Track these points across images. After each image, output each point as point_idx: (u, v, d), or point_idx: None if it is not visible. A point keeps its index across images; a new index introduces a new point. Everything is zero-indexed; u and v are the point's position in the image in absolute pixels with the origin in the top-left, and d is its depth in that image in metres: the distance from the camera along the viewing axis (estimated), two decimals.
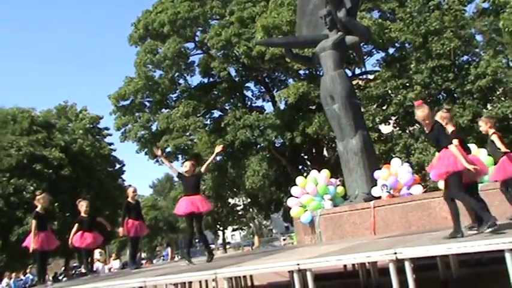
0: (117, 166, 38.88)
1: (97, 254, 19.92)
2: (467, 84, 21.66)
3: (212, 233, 54.30)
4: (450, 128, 6.88)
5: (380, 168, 11.42)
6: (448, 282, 7.34)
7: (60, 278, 34.31)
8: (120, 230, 10.58)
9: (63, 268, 37.61)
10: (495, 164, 7.85)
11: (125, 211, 10.68)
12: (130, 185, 11.59)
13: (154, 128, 30.23)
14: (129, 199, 10.70)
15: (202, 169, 9.58)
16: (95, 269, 12.21)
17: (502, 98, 22.26)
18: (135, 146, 30.62)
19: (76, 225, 10.54)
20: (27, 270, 29.43)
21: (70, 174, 31.76)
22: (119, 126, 30.50)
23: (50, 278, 27.13)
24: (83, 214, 10.62)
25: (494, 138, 7.50)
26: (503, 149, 7.45)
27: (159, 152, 10.62)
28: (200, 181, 9.69)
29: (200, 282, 8.51)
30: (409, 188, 10.86)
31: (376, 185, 11.05)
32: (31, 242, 9.52)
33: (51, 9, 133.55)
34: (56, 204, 31.66)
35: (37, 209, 9.84)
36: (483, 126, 7.74)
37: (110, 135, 38.23)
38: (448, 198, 6.22)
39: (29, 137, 31.84)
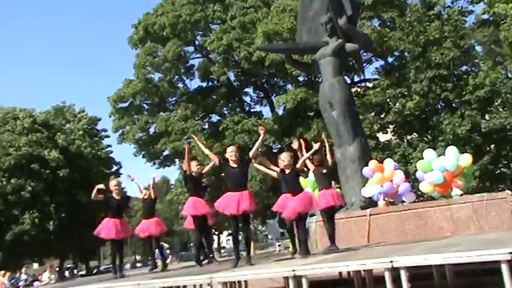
0: (114, 168, 38.86)
1: None
2: (466, 95, 21.70)
3: None
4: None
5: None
6: None
7: None
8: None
9: None
10: None
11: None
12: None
13: (152, 130, 30.20)
14: (113, 194, 8.86)
15: (250, 154, 8.09)
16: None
17: (500, 109, 22.31)
18: (133, 149, 30.60)
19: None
20: (22, 270, 29.32)
21: (67, 175, 31.73)
22: (117, 128, 30.46)
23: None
24: (114, 195, 8.91)
25: None
26: None
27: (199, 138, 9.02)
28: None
29: (195, 286, 8.46)
30: (402, 195, 10.86)
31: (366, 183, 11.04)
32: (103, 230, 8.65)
33: (52, 11, 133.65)
34: (53, 205, 31.61)
35: (114, 195, 8.83)
36: None
37: (108, 137, 38.22)
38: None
39: (28, 137, 31.85)
